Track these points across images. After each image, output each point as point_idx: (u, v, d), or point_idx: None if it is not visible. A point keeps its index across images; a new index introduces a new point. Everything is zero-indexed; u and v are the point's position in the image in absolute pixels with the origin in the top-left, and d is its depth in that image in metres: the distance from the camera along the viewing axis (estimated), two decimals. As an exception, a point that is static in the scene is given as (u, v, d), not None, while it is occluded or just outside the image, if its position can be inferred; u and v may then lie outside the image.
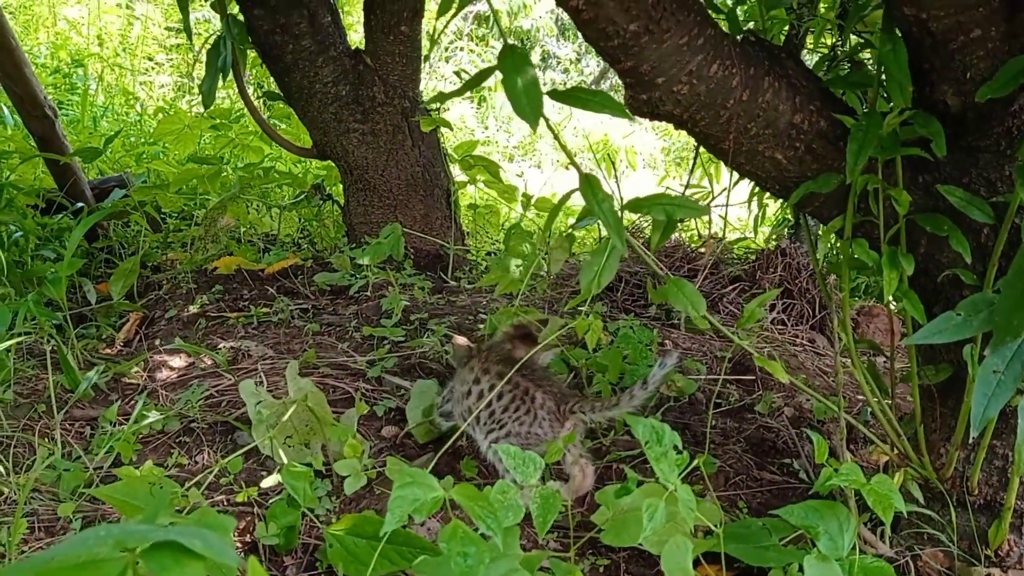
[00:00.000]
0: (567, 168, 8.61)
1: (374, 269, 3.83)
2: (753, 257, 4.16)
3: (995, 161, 1.89)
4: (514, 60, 1.69)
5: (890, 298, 1.99)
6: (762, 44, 2.00)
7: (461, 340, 2.59)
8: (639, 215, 4.92)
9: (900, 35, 1.82)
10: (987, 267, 1.89)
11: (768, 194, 5.56)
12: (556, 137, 1.87)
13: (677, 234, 4.62)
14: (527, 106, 1.66)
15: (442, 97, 1.87)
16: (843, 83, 2.04)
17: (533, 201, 4.57)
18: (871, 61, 2.09)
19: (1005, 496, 2.06)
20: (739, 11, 2.31)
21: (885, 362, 3.63)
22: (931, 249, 2.00)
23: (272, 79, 4.61)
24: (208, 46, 4.08)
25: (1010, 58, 1.73)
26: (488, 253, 5.11)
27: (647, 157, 9.79)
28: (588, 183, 1.79)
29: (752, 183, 5.37)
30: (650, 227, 4.83)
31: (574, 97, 1.77)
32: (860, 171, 1.83)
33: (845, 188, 1.99)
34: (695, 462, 1.86)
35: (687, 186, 5.12)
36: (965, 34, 1.74)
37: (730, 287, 3.91)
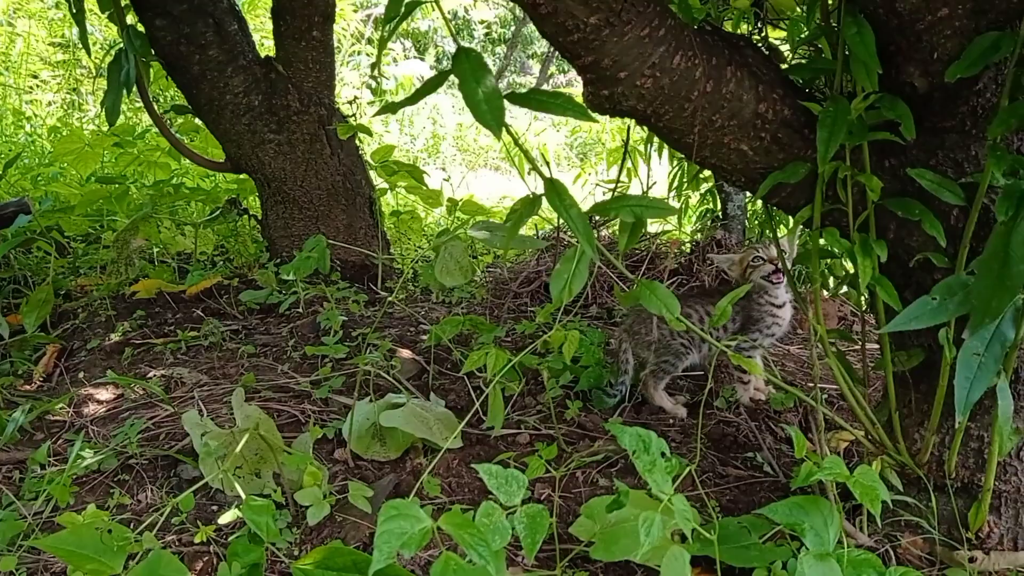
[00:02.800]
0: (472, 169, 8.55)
1: (303, 284, 3.70)
2: (688, 250, 4.13)
3: (961, 141, 1.87)
4: (471, 65, 1.61)
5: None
6: (719, 33, 1.95)
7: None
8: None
9: (863, 17, 1.78)
10: (958, 249, 1.87)
11: (686, 187, 5.61)
12: (516, 142, 1.78)
13: (607, 231, 4.58)
14: (488, 114, 1.58)
15: (393, 107, 1.76)
16: (806, 70, 1.99)
17: (455, 206, 4.49)
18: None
19: (983, 478, 2.04)
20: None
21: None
22: (900, 234, 1.97)
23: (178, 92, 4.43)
24: (108, 61, 3.89)
25: (976, 36, 1.71)
26: (415, 260, 5.01)
27: (555, 154, 9.76)
28: (554, 188, 1.72)
29: (674, 174, 5.42)
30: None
31: (534, 100, 1.69)
32: (828, 158, 1.79)
33: (812, 177, 1.95)
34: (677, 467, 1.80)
35: (614, 181, 5.10)
36: (932, 13, 1.71)
37: (668, 281, 3.88)
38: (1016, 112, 1.69)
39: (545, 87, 22.68)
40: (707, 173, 4.76)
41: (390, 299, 2.67)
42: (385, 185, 4.76)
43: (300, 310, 3.66)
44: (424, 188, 4.66)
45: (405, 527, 1.51)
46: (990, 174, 1.75)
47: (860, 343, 2.22)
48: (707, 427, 2.79)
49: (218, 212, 4.85)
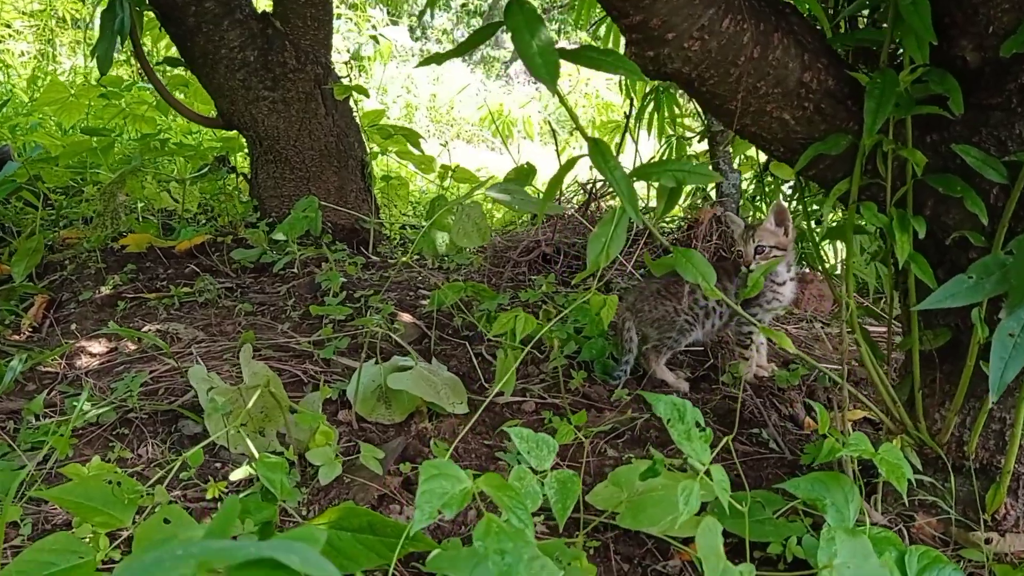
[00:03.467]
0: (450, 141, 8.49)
1: (295, 245, 3.63)
2: (685, 226, 4.11)
3: (1006, 119, 1.85)
4: (525, 17, 1.56)
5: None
6: (765, -2, 1.91)
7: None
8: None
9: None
10: (996, 229, 1.85)
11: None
12: (563, 102, 1.74)
13: (602, 204, 4.54)
14: (543, 67, 1.54)
15: (438, 57, 1.71)
16: (854, 39, 1.96)
17: (448, 173, 4.43)
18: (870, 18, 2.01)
19: (1003, 459, 2.04)
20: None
21: (823, 327, 3.65)
22: (938, 211, 1.95)
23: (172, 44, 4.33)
24: (87, 13, 3.79)
25: (1033, 12, 1.69)
26: (403, 227, 4.95)
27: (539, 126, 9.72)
28: (599, 150, 1.68)
29: (662, 152, 5.38)
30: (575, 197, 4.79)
31: (585, 57, 1.65)
32: (876, 130, 1.76)
33: (851, 150, 1.92)
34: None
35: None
36: (992, -14, 1.69)
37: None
38: (1067, 91, 1.67)
39: (520, 62, 22.55)
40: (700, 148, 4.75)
41: (404, 260, 2.61)
42: (376, 149, 4.70)
43: (295, 270, 3.60)
44: (420, 153, 4.60)
45: (446, 487, 1.47)
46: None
47: (887, 321, 2.20)
48: (712, 402, 2.78)
49: (206, 169, 4.76)
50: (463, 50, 1.67)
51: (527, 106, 9.36)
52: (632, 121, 5.46)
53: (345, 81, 4.44)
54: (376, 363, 2.63)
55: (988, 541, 2.06)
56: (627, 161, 5.22)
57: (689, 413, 1.77)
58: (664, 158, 5.54)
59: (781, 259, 2.43)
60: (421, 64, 1.71)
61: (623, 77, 5.73)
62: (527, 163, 2.49)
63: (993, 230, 1.86)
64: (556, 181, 1.78)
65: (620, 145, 5.77)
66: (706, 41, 1.79)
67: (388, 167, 5.68)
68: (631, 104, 5.16)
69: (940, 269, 1.95)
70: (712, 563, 1.64)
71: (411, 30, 14.06)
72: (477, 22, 22.80)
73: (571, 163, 1.77)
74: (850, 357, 3.12)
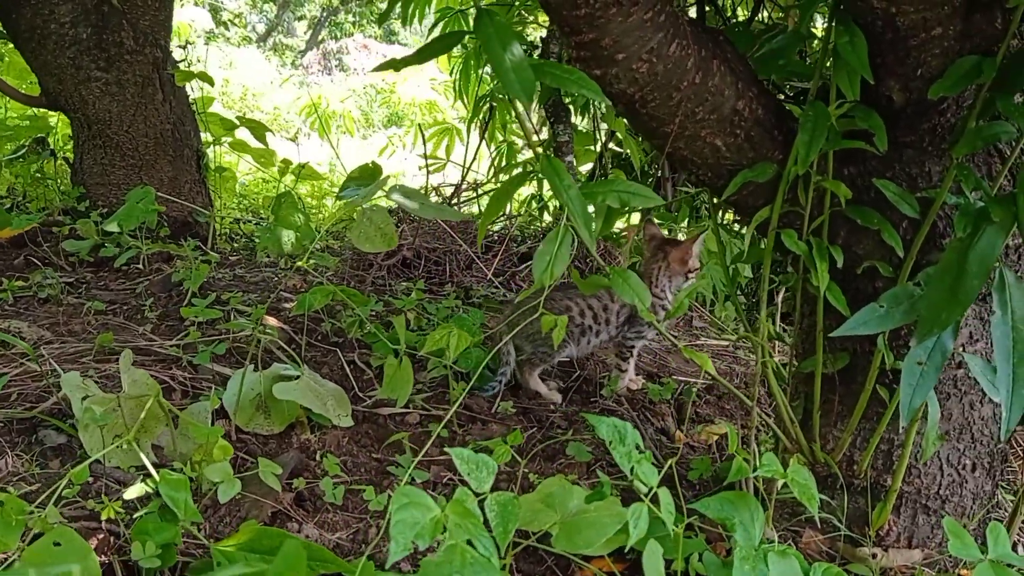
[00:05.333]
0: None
1: (127, 238, 3.40)
2: (542, 235, 4.13)
3: (917, 157, 1.95)
4: (496, 30, 1.52)
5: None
6: (703, 26, 1.93)
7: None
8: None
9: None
10: (903, 261, 1.95)
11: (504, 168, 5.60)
12: (520, 121, 1.69)
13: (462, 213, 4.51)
14: (517, 83, 1.51)
15: (395, 63, 1.63)
16: (784, 71, 2.01)
17: (300, 170, 4.29)
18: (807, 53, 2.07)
19: (890, 479, 2.14)
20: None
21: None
22: (849, 241, 2.03)
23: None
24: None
25: (958, 57, 1.78)
26: (234, 221, 4.75)
27: (358, 122, 9.56)
28: (552, 168, 1.65)
29: (497, 157, 5.41)
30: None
31: (549, 74, 1.62)
32: (809, 162, 1.82)
33: (775, 178, 1.98)
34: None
35: (425, 156, 5.04)
36: (927, 31, 1.77)
37: (523, 264, 3.86)
38: (982, 134, 1.77)
39: (313, 52, 22.22)
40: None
41: (300, 264, 2.48)
42: (209, 138, 4.48)
43: (140, 266, 3.38)
44: (260, 147, 4.42)
45: (418, 516, 1.41)
46: (947, 190, 1.84)
47: (793, 347, 2.27)
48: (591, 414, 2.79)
49: (22, 151, 4.42)
50: (424, 58, 1.60)
51: (347, 100, 9.19)
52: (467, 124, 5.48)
53: (184, 67, 4.22)
54: (256, 370, 2.50)
55: (873, 556, 2.16)
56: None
57: (630, 435, 1.78)
58: (498, 164, 5.59)
59: (699, 280, 2.47)
60: (379, 68, 1.63)
61: (457, 80, 5.74)
62: (372, 162, 2.42)
63: (900, 261, 1.95)
64: (504, 195, 1.74)
65: (449, 148, 5.77)
66: (654, 64, 1.80)
67: (218, 158, 5.42)
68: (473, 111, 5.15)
69: (846, 296, 2.03)
70: (657, 585, 1.65)
71: (214, 11, 13.59)
72: (271, 9, 22.29)
73: (522, 178, 1.73)
74: (704, 374, 3.22)
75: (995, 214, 1.70)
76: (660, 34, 1.78)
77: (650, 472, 1.70)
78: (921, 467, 2.16)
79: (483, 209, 5.46)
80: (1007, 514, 2.30)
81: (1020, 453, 2.73)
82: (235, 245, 4.38)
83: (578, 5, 1.69)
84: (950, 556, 2.17)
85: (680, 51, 1.81)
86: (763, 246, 2.05)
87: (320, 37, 22.41)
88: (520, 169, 5.45)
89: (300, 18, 23.66)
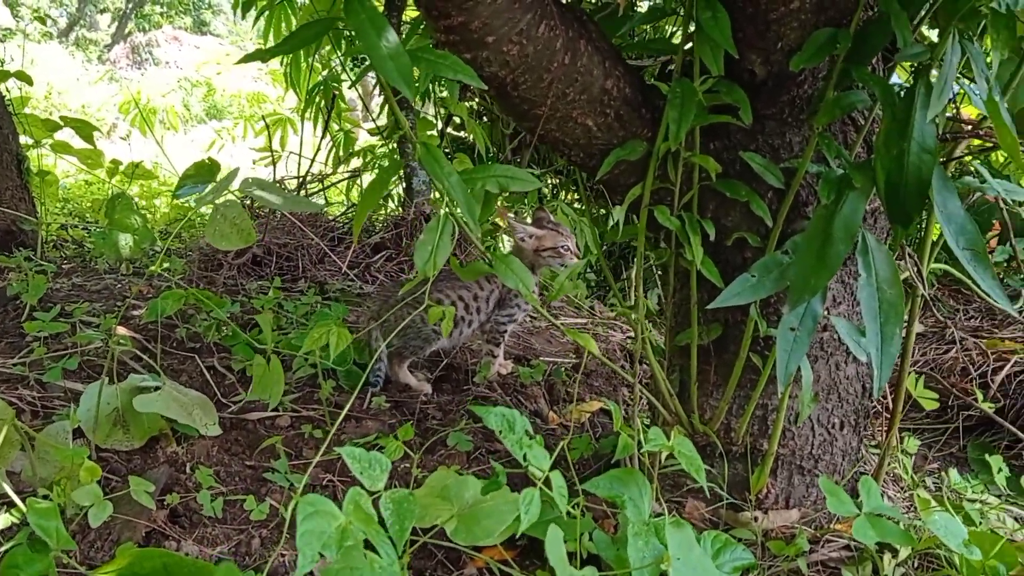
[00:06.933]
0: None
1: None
2: (393, 225, 4.07)
3: (779, 128, 2.00)
4: (369, 17, 1.47)
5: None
6: (567, 6, 1.92)
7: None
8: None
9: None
10: (770, 230, 2.00)
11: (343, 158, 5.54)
12: (396, 114, 1.65)
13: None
14: (396, 71, 1.46)
15: (261, 54, 1.55)
16: (646, 48, 2.02)
17: (134, 170, 4.09)
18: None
19: (767, 443, 2.20)
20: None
21: (532, 320, 3.75)
22: (718, 214, 2.07)
23: None
24: None
25: (815, 30, 1.83)
26: (61, 227, 4.50)
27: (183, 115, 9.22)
28: (431, 155, 1.62)
29: (334, 146, 5.32)
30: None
31: (424, 60, 1.58)
32: (682, 138, 1.84)
33: (643, 156, 1.99)
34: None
35: (271, 149, 4.92)
36: (786, 5, 1.81)
37: (377, 255, 3.79)
38: (840, 103, 1.83)
39: (121, 46, 21.37)
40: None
41: (153, 270, 2.34)
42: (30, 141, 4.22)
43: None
44: (86, 148, 4.19)
45: (323, 526, 1.35)
46: (808, 160, 1.89)
47: (667, 321, 2.30)
48: (466, 403, 2.77)
49: None
50: (293, 47, 1.53)
51: (168, 95, 8.83)
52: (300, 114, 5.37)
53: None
54: (111, 383, 2.36)
55: (755, 519, 2.22)
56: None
57: (519, 423, 1.76)
58: (336, 153, 5.49)
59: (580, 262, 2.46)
60: (244, 60, 1.55)
61: (288, 70, 5.61)
62: (209, 158, 2.34)
63: (768, 231, 2.00)
64: (379, 187, 1.69)
65: (283, 140, 5.63)
66: (524, 46, 1.78)
67: (37, 161, 5.12)
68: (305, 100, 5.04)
69: (717, 267, 2.06)
70: (561, 570, 1.64)
71: (12, 7, 12.87)
72: (70, 2, 21.29)
73: (396, 167, 1.68)
74: (574, 349, 3.25)
75: (856, 180, 1.76)
76: (529, 15, 1.76)
77: (542, 457, 1.68)
78: (795, 429, 2.22)
79: (343, 200, 5.36)
80: (871, 468, 2.40)
81: (880, 409, 2.85)
82: (66, 252, 4.15)
83: (447, -12, 1.66)
84: (825, 513, 2.25)
85: (549, 32, 1.80)
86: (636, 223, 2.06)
87: (127, 30, 21.57)
88: (361, 158, 5.39)
89: (103, 11, 22.73)
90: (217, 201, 2.22)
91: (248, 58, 1.54)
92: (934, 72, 1.66)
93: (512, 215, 3.54)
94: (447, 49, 1.79)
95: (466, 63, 1.77)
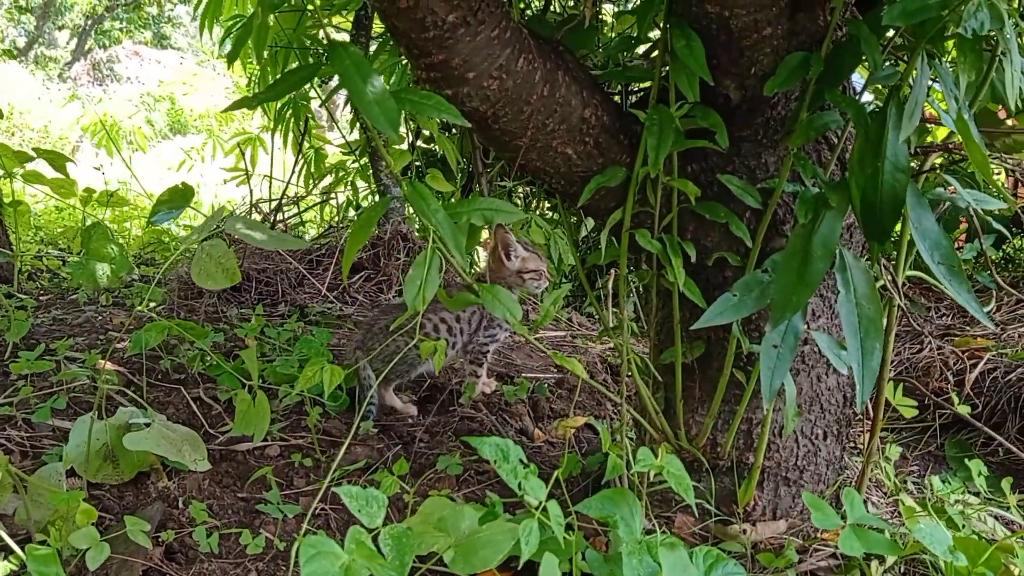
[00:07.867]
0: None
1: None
2: (370, 245, 4.08)
3: (754, 150, 2.04)
4: (353, 62, 1.50)
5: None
6: (542, 37, 1.95)
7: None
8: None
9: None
10: (749, 250, 2.04)
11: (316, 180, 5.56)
12: (381, 151, 1.67)
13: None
14: (382, 116, 1.49)
15: (246, 102, 1.57)
16: (624, 77, 2.06)
17: (108, 198, 4.08)
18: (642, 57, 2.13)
19: (752, 456, 2.24)
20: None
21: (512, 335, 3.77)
22: (697, 235, 2.10)
23: None
24: None
25: (787, 55, 1.87)
26: (36, 256, 4.48)
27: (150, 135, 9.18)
28: (417, 192, 1.64)
29: (305, 165, 5.32)
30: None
31: (408, 101, 1.60)
32: (661, 164, 1.87)
33: (625, 181, 2.03)
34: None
35: (235, 169, 4.92)
36: (758, 31, 1.85)
37: (355, 276, 3.81)
38: (814, 124, 1.87)
39: (81, 63, 21.21)
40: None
41: (140, 309, 2.35)
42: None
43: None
44: (65, 178, 4.16)
45: (327, 567, 1.37)
46: (784, 180, 1.93)
47: (651, 340, 2.33)
48: (452, 424, 2.79)
49: None
50: (281, 92, 1.56)
51: (135, 116, 8.79)
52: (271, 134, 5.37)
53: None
54: (100, 419, 2.37)
55: (744, 532, 2.26)
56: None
57: (512, 452, 1.78)
58: (307, 171, 5.50)
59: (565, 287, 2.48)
60: (231, 108, 1.57)
61: (256, 89, 5.61)
62: (183, 183, 2.33)
63: (747, 251, 2.04)
64: (367, 224, 1.71)
65: (253, 158, 5.63)
66: (503, 80, 1.80)
67: (10, 191, 5.10)
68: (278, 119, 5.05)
69: (698, 287, 2.10)
70: (557, 598, 1.67)
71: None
72: (29, 20, 21.11)
73: (382, 205, 1.70)
74: (552, 369, 3.28)
75: (832, 199, 1.80)
76: (508, 50, 1.79)
77: (537, 486, 1.71)
78: (780, 442, 2.26)
79: (316, 219, 5.36)
80: (855, 473, 2.45)
81: (861, 417, 2.90)
82: (42, 283, 4.13)
83: (427, 28, 1.69)
84: (812, 523, 2.29)
85: (527, 65, 1.83)
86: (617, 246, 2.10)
87: (87, 46, 21.42)
88: (333, 174, 5.40)
89: (61, 27, 22.56)
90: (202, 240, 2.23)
91: (235, 106, 1.56)
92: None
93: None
94: (428, 86, 1.81)
95: (447, 99, 1.80)
